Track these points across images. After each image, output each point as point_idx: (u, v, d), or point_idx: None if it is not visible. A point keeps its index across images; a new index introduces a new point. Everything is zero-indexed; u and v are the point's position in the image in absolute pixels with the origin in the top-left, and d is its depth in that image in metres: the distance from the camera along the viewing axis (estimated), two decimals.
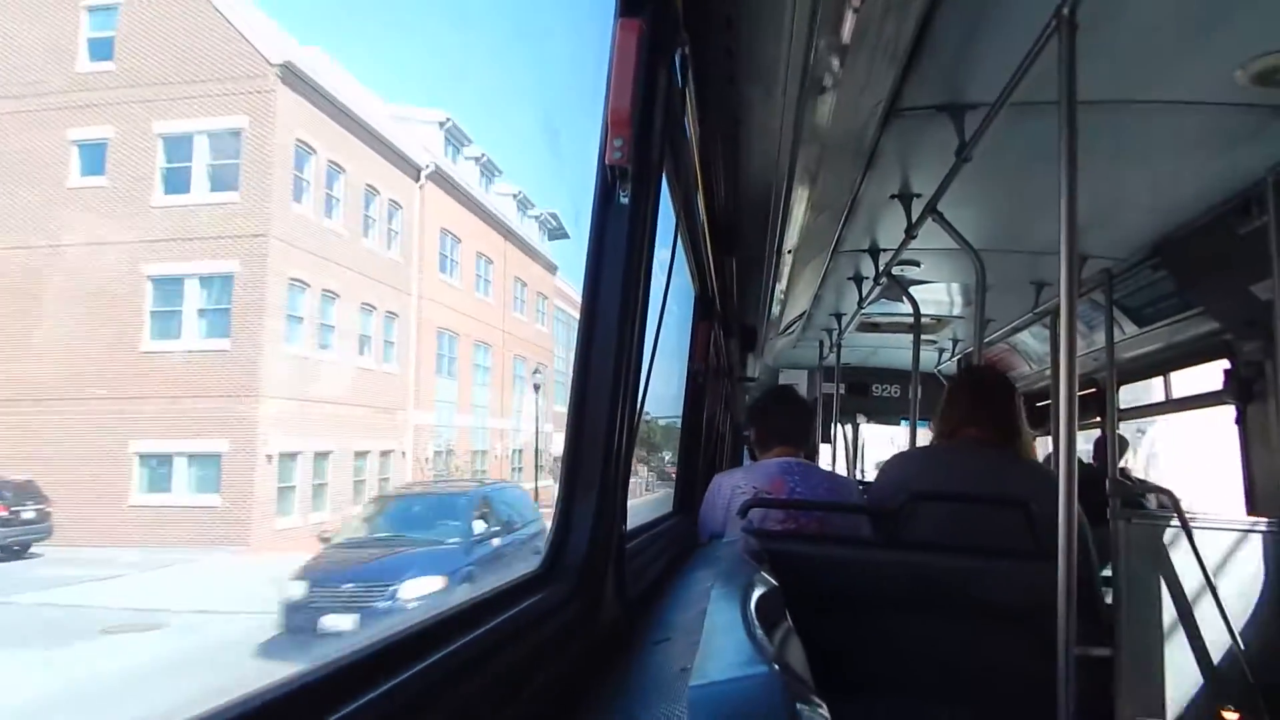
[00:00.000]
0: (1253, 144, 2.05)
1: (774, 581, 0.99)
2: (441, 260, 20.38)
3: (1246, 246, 2.40)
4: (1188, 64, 1.75)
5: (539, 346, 26.75)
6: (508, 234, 24.98)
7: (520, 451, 24.57)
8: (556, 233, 33.17)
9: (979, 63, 1.84)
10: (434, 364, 19.62)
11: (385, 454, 17.03)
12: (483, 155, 23.48)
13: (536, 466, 23.26)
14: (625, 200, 1.08)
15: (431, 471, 18.49)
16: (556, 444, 28.08)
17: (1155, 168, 2.32)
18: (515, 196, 26.54)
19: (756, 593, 0.84)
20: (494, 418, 22.75)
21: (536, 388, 23.65)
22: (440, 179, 19.64)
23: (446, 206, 20.29)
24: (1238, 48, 1.67)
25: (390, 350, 18.07)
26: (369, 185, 17.35)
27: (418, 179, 18.88)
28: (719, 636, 0.71)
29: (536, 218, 30.86)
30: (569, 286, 33.27)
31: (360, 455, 16.17)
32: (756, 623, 0.71)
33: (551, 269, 28.59)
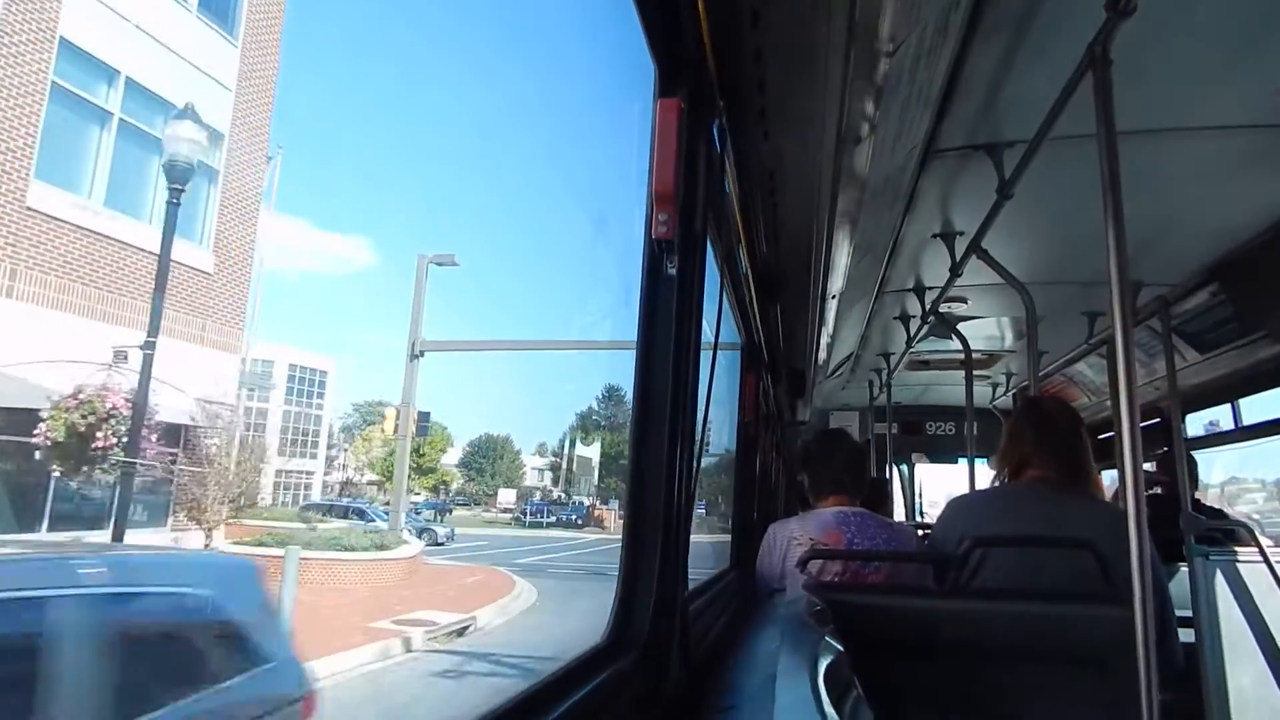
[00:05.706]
0: None
1: (839, 647, 0.97)
2: None
3: None
4: (1227, 89, 1.73)
5: None
6: None
7: None
8: None
9: (1013, 101, 1.84)
10: None
11: None
12: None
13: None
14: (673, 271, 1.10)
15: None
16: None
17: (1204, 192, 2.27)
18: None
19: (824, 662, 0.82)
20: None
21: None
22: None
23: None
24: (1276, 70, 1.65)
25: None
26: None
27: None
28: (791, 715, 0.70)
29: None
30: None
31: None
32: (826, 698, 0.69)
33: None
